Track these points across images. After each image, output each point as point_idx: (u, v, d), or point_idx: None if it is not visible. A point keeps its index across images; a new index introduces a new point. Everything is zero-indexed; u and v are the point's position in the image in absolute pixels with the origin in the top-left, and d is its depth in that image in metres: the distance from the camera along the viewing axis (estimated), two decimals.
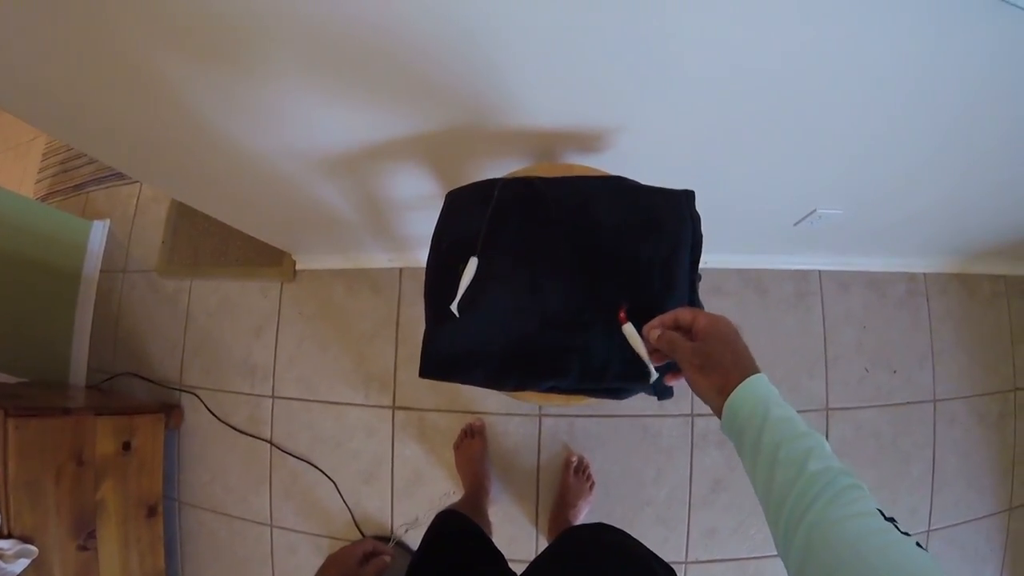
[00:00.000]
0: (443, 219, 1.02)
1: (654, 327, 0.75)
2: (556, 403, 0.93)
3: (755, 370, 0.64)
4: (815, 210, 1.46)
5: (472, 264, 0.92)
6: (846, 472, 0.53)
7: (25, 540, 1.46)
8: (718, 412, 0.64)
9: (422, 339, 0.94)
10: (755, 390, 0.62)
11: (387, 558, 0.91)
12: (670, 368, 0.80)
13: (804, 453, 0.54)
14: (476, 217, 0.96)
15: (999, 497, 1.92)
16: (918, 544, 0.46)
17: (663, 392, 0.89)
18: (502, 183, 0.98)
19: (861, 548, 0.46)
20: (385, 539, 1.82)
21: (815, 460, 0.53)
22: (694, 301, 0.92)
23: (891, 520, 0.48)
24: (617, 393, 0.90)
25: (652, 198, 0.96)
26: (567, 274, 0.92)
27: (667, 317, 0.74)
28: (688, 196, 0.97)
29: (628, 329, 0.83)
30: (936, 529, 1.85)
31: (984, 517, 1.90)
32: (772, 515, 0.54)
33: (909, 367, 1.95)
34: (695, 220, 0.95)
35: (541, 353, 0.89)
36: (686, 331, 0.71)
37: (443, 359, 0.92)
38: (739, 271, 1.95)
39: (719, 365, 0.65)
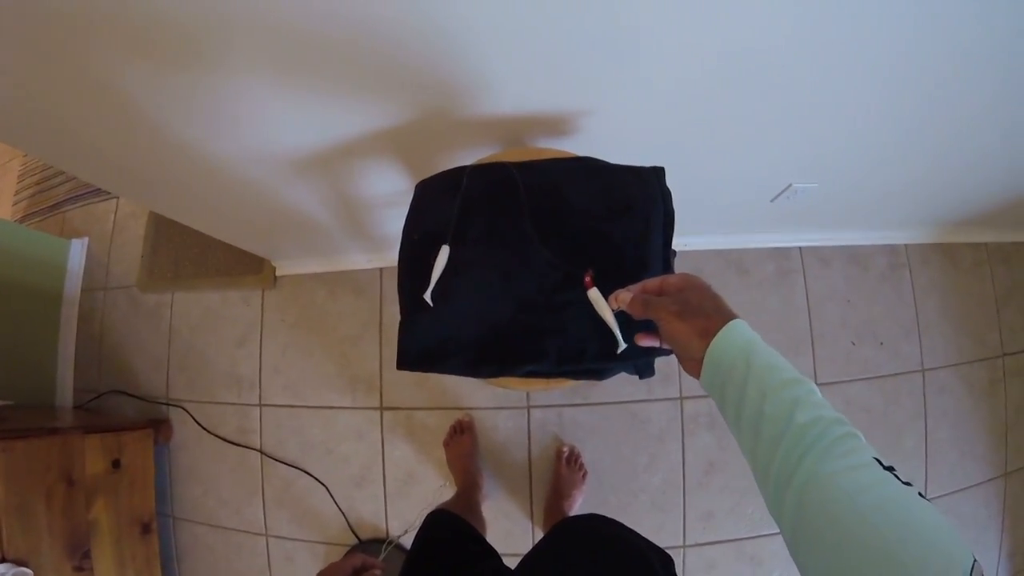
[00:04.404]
0: (413, 210, 1.01)
1: (623, 291, 0.71)
2: (537, 387, 0.92)
3: (735, 316, 0.61)
4: (790, 185, 1.46)
5: (444, 253, 0.92)
6: (838, 421, 0.49)
7: (20, 563, 1.44)
8: (698, 365, 0.61)
9: (397, 331, 0.93)
10: (737, 336, 0.58)
11: (377, 572, 0.89)
12: (641, 328, 0.76)
13: (791, 403, 0.51)
14: (446, 206, 0.96)
15: (994, 463, 1.93)
16: (920, 494, 0.43)
17: (644, 370, 0.89)
18: (471, 170, 0.98)
19: (857, 504, 0.43)
20: (381, 542, 1.82)
21: (803, 410, 0.50)
22: None
23: (890, 469, 0.45)
24: (598, 373, 0.89)
25: (622, 177, 0.96)
26: (539, 258, 0.91)
27: (634, 287, 0.71)
28: (658, 172, 0.96)
29: (594, 294, 0.83)
30: (933, 498, 1.86)
31: (980, 484, 1.91)
32: (761, 473, 0.51)
33: (896, 339, 1.96)
34: (666, 196, 0.95)
35: (517, 337, 0.88)
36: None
37: (419, 350, 0.91)
38: (719, 252, 1.96)
39: (700, 309, 0.62)
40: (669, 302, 0.65)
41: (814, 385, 0.54)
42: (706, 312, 0.62)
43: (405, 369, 0.91)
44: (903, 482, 0.44)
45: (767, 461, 0.50)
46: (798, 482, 0.46)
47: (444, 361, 0.90)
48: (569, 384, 0.93)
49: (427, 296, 0.90)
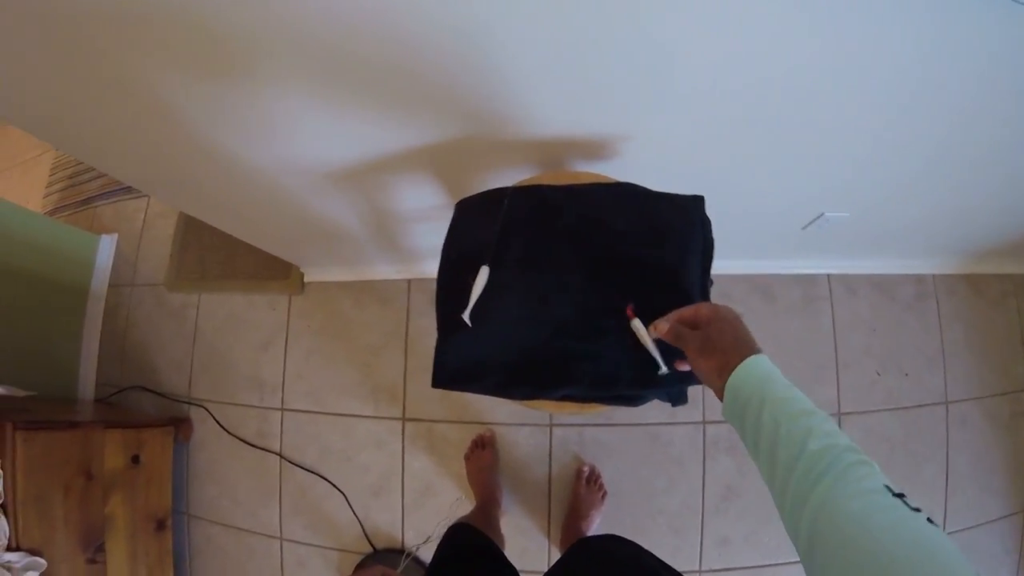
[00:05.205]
0: (453, 229, 1.02)
1: (662, 321, 0.77)
2: (570, 412, 0.93)
3: (756, 351, 0.65)
4: (823, 214, 1.46)
5: (483, 273, 0.92)
6: (851, 449, 0.52)
7: (34, 553, 1.45)
8: (720, 396, 0.65)
9: (434, 349, 0.93)
10: (755, 370, 0.63)
11: None
12: (680, 355, 0.80)
13: (804, 432, 0.54)
14: (486, 226, 0.96)
15: (1013, 499, 1.89)
16: (929, 520, 0.45)
17: (677, 398, 0.89)
18: (511, 192, 0.99)
19: (869, 526, 0.45)
20: (397, 552, 1.82)
21: (816, 439, 0.53)
22: None
23: (900, 496, 0.47)
24: (631, 400, 0.89)
25: (661, 204, 0.96)
26: (577, 282, 0.91)
27: (671, 315, 0.76)
28: (697, 201, 0.96)
29: (636, 324, 0.84)
30: (950, 533, 1.82)
31: (998, 519, 1.88)
32: (779, 497, 0.54)
33: (920, 370, 1.94)
34: (705, 225, 0.95)
35: (553, 361, 0.89)
36: (691, 326, 0.73)
37: (455, 369, 0.92)
38: (747, 277, 1.95)
39: (718, 346, 0.67)
40: (693, 338, 0.71)
41: (828, 416, 0.57)
42: (724, 348, 0.67)
43: (440, 387, 0.92)
44: (912, 508, 0.46)
45: (783, 486, 0.53)
46: (812, 505, 0.49)
47: (479, 381, 0.91)
48: (602, 409, 0.94)
49: (466, 316, 0.91)
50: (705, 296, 0.93)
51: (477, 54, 0.79)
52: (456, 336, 0.92)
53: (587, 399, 0.90)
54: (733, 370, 0.63)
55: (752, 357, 0.63)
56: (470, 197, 1.04)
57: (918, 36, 0.75)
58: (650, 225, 0.94)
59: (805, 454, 0.52)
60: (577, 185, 0.99)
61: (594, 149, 1.09)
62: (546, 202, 0.97)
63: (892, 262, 1.97)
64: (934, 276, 2.01)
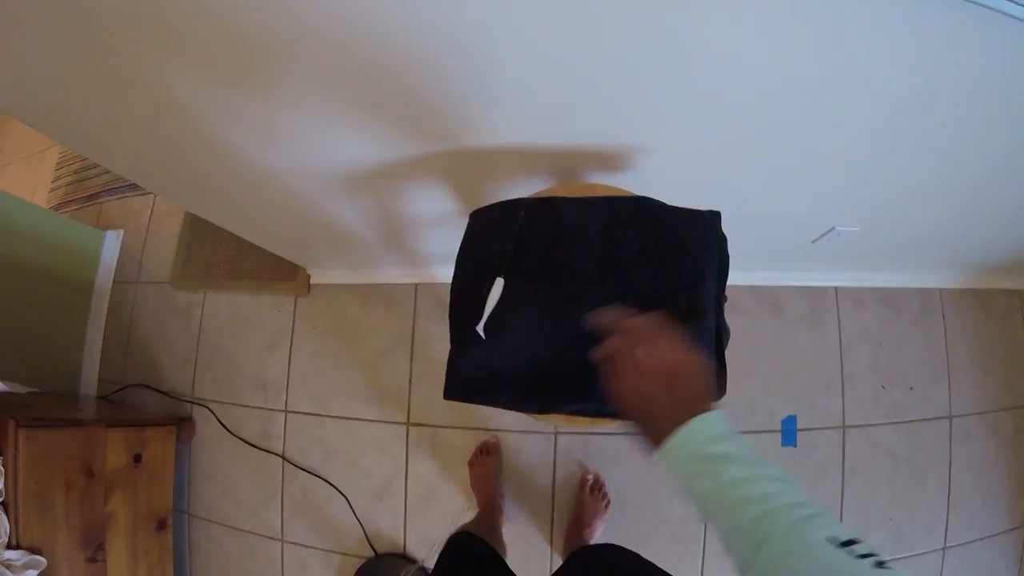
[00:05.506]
0: (468, 239, 1.01)
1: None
2: (582, 425, 0.92)
3: (674, 426, 0.59)
4: (833, 228, 1.46)
5: (498, 285, 0.92)
6: (795, 505, 0.51)
7: (34, 551, 1.45)
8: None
9: (447, 361, 0.93)
10: (682, 446, 0.59)
11: None
12: None
13: (740, 501, 0.53)
14: (501, 237, 0.96)
15: (1015, 514, 1.90)
16: (880, 565, 0.44)
17: None
18: (527, 203, 0.98)
19: None
20: (398, 556, 1.82)
21: (753, 505, 0.52)
22: (720, 322, 0.91)
23: (849, 543, 0.46)
24: None
25: (678, 219, 0.96)
26: (592, 295, 0.91)
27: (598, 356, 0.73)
28: (714, 216, 0.96)
29: None
30: (952, 547, 1.83)
31: (1000, 534, 1.88)
32: (727, 551, 0.54)
33: (925, 384, 1.94)
34: (721, 241, 0.95)
35: (566, 375, 0.88)
36: None
37: (468, 381, 0.91)
38: (754, 288, 1.94)
39: (636, 417, 0.66)
40: (613, 391, 0.69)
41: (773, 472, 0.55)
42: (646, 415, 0.64)
43: (452, 399, 0.91)
44: (860, 555, 0.45)
45: (727, 549, 0.53)
46: (757, 568, 0.49)
47: (492, 394, 0.90)
48: (614, 424, 0.93)
49: (480, 329, 0.90)
50: (719, 311, 0.92)
51: (494, 65, 0.79)
52: (469, 348, 0.92)
53: (600, 414, 0.89)
54: (661, 443, 0.60)
55: (676, 436, 0.59)
56: (485, 207, 1.03)
57: (927, 48, 0.75)
58: (667, 240, 0.94)
59: (744, 523, 0.51)
60: (594, 198, 0.98)
61: (609, 160, 1.08)
62: (562, 214, 0.96)
63: (899, 276, 1.97)
64: (941, 290, 2.01)
